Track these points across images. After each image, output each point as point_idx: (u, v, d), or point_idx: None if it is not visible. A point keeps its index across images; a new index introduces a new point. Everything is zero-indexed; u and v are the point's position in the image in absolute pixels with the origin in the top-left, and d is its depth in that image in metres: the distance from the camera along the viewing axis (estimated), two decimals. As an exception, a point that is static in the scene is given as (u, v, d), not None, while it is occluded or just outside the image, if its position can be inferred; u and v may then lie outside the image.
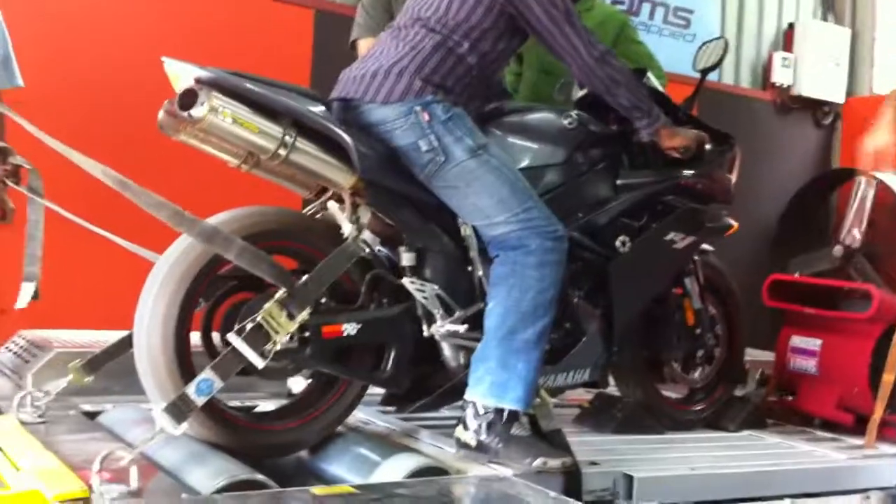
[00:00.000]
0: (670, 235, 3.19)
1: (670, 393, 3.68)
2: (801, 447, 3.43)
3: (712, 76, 3.63)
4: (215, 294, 2.62)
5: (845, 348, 3.76)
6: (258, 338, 2.36)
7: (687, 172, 3.21)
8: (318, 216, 2.83)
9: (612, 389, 3.51)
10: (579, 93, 3.24)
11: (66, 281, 4.40)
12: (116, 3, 5.15)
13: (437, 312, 2.77)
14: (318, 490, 2.22)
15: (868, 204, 6.26)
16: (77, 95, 4.95)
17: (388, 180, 2.69)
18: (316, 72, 5.45)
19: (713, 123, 3.38)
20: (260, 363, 2.36)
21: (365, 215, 2.69)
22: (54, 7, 5.00)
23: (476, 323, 2.76)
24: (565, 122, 3.06)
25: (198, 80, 2.48)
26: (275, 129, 2.53)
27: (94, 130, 4.77)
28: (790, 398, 3.97)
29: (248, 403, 3.10)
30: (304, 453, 2.74)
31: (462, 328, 2.78)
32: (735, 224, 3.42)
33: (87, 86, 4.99)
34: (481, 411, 2.63)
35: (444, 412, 3.09)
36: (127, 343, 2.69)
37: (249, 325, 2.37)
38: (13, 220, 3.66)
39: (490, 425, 2.62)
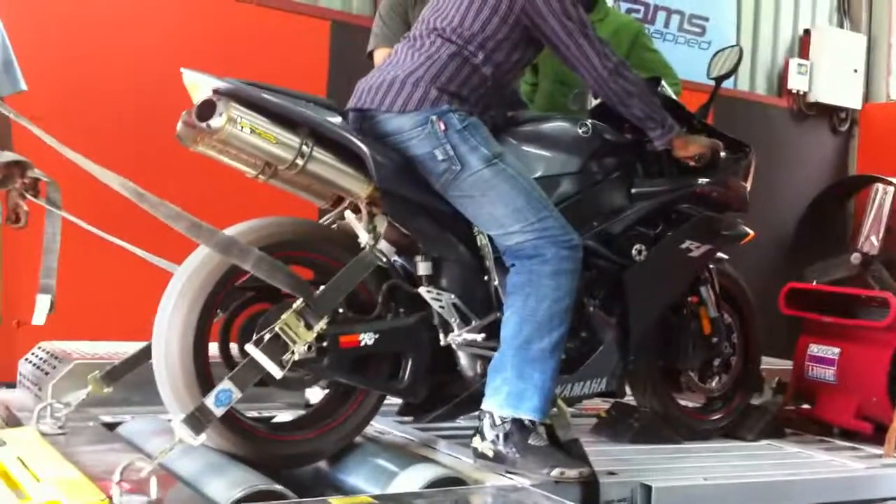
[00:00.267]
0: (686, 244, 3.18)
1: (687, 402, 3.66)
2: (819, 457, 3.42)
3: (727, 83, 3.62)
4: (233, 305, 2.62)
5: (863, 357, 3.74)
6: (276, 348, 2.37)
7: (702, 181, 3.20)
8: (334, 226, 2.85)
9: (629, 399, 3.50)
10: (594, 102, 3.24)
11: (85, 292, 4.44)
12: (136, 16, 5.19)
13: (454, 322, 2.77)
14: (336, 501, 2.24)
15: (885, 211, 6.24)
16: (97, 107, 4.99)
17: (405, 190, 2.70)
18: (332, 82, 5.47)
19: (729, 131, 3.37)
20: (278, 373, 2.37)
21: (381, 225, 2.69)
22: (75, 20, 5.05)
23: (493, 332, 2.76)
24: (580, 130, 3.06)
25: (216, 91, 2.50)
26: (292, 140, 2.54)
27: (114, 141, 4.82)
28: (808, 407, 3.95)
29: (266, 414, 3.10)
30: (322, 464, 2.74)
31: (479, 337, 2.78)
32: (751, 232, 3.41)
33: (107, 97, 5.03)
34: (498, 421, 2.63)
35: (461, 422, 3.09)
36: (146, 354, 2.71)
37: (267, 336, 2.38)
38: (27, 223, 3.70)
39: (507, 435, 2.62)
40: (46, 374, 3.24)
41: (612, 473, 2.75)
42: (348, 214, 2.74)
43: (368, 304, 2.70)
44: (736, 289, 3.66)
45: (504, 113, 3.05)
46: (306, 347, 2.45)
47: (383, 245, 2.72)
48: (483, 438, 2.65)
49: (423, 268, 2.79)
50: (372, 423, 2.86)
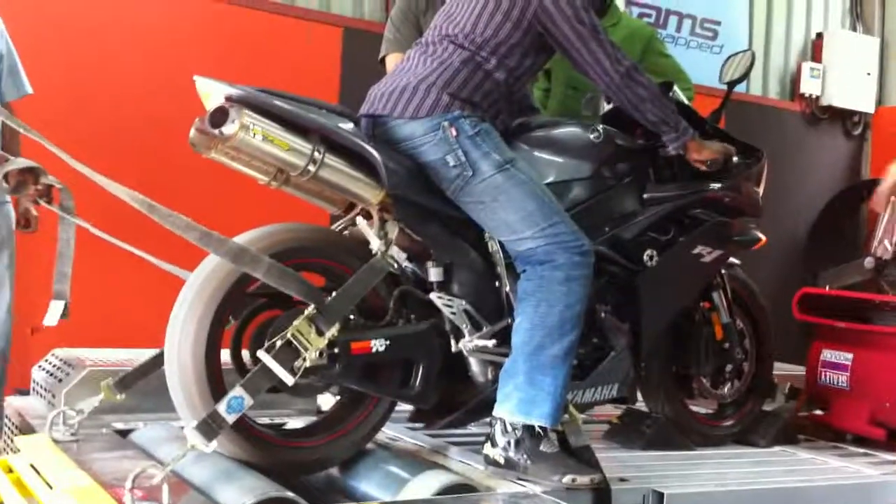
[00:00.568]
0: (698, 249, 3.18)
1: (699, 408, 3.65)
2: (833, 463, 3.40)
3: (740, 88, 3.62)
4: (244, 312, 2.63)
5: (877, 362, 3.72)
6: (287, 355, 2.38)
7: (714, 186, 3.19)
8: (345, 232, 2.85)
9: (641, 405, 3.49)
10: (606, 107, 3.24)
11: (99, 299, 4.45)
12: (145, 23, 5.22)
13: (465, 328, 2.77)
14: (347, 507, 2.23)
15: (900, 215, 6.19)
16: (107, 114, 5.01)
17: (416, 195, 2.70)
18: (344, 88, 5.49)
19: (741, 135, 3.36)
20: (290, 380, 2.38)
21: (393, 231, 2.69)
22: (86, 28, 5.07)
23: (504, 338, 2.76)
24: (591, 136, 3.05)
25: (228, 98, 2.50)
26: (304, 146, 2.54)
27: (127, 148, 4.85)
28: (821, 413, 3.93)
29: (277, 420, 3.11)
30: (333, 470, 2.74)
31: (490, 343, 2.78)
32: (763, 237, 3.40)
33: (117, 104, 5.06)
34: (509, 428, 2.63)
35: (473, 429, 3.09)
36: (158, 361, 2.71)
37: (279, 342, 2.38)
38: (38, 228, 3.72)
39: (518, 442, 2.62)
40: (59, 381, 3.24)
41: (623, 480, 2.74)
42: (360, 220, 2.74)
43: (380, 310, 2.69)
44: (748, 294, 3.64)
45: (516, 118, 3.05)
46: (318, 354, 2.45)
47: (395, 251, 2.71)
48: (494, 445, 2.65)
49: (434, 274, 2.79)
50: (383, 429, 2.86)
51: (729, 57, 3.55)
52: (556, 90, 4.09)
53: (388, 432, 3.06)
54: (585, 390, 2.95)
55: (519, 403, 2.63)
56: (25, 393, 3.65)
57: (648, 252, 3.08)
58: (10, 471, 2.55)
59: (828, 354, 3.88)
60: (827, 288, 4.69)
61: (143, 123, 5.02)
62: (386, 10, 5.70)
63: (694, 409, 3.59)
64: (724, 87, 3.46)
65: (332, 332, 2.46)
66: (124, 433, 3.01)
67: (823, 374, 3.88)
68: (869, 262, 5.77)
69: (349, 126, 2.65)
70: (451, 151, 2.68)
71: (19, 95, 3.84)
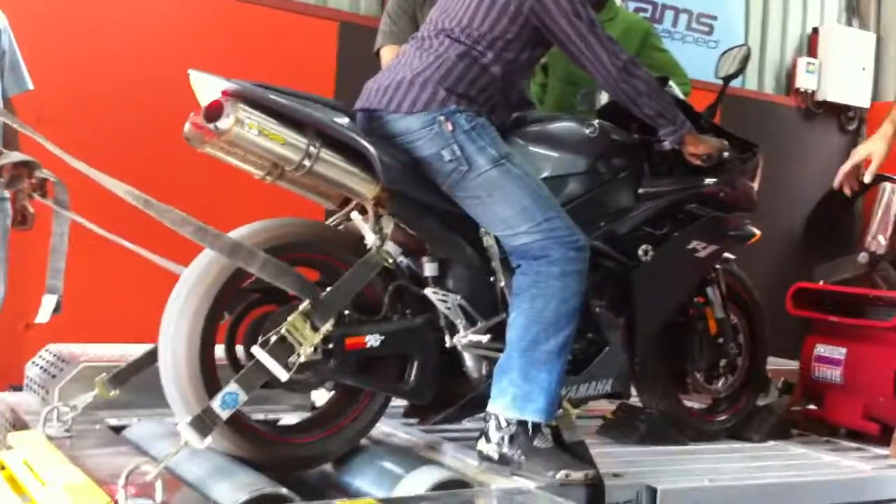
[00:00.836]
0: (693, 244, 3.18)
1: (693, 403, 3.65)
2: (826, 458, 3.40)
3: (736, 82, 3.61)
4: (239, 307, 2.62)
5: (870, 357, 3.72)
6: (282, 350, 2.37)
7: (709, 181, 3.19)
8: (340, 227, 2.84)
9: (635, 400, 3.49)
10: (602, 101, 3.23)
11: (92, 294, 4.44)
12: (142, 17, 5.20)
13: (460, 323, 2.77)
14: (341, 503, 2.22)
15: (894, 210, 6.21)
16: (103, 107, 5.00)
17: (412, 190, 2.70)
18: (340, 83, 5.48)
19: (737, 130, 3.37)
20: (284, 375, 2.37)
21: (388, 226, 2.69)
22: (83, 23, 5.06)
23: (499, 333, 2.76)
24: (587, 130, 3.05)
25: (224, 93, 2.50)
26: (300, 141, 2.54)
27: (122, 143, 4.83)
28: (815, 408, 3.94)
29: (271, 416, 3.10)
30: (327, 466, 2.74)
31: (485, 339, 2.78)
32: (758, 232, 3.41)
33: (113, 98, 5.04)
34: (504, 423, 2.63)
35: (467, 424, 3.09)
36: (152, 357, 2.70)
37: (273, 338, 2.38)
38: (33, 226, 3.71)
39: (512, 437, 2.62)
40: (53, 376, 3.24)
41: (617, 475, 2.74)
42: (355, 215, 2.74)
43: (374, 305, 2.69)
44: (743, 289, 3.65)
45: (512, 113, 3.05)
46: (312, 349, 2.44)
47: (390, 246, 2.71)
48: (488, 440, 2.65)
49: (429, 269, 2.79)
50: (378, 424, 2.85)
51: (725, 52, 3.55)
52: (553, 85, 4.09)
53: (382, 428, 3.05)
54: (580, 385, 2.95)
55: (513, 399, 2.63)
56: (19, 389, 3.65)
57: (643, 247, 3.08)
58: (3, 467, 2.55)
59: (822, 349, 3.88)
60: (821, 282, 4.70)
61: (139, 118, 5.01)
62: (382, 5, 5.68)
63: (688, 404, 3.59)
64: (720, 81, 3.46)
65: (327, 327, 2.45)
66: (118, 429, 3.00)
67: (817, 368, 3.88)
68: (863, 257, 5.79)
69: (345, 121, 2.65)
70: (447, 146, 2.68)
71: (20, 91, 3.85)
